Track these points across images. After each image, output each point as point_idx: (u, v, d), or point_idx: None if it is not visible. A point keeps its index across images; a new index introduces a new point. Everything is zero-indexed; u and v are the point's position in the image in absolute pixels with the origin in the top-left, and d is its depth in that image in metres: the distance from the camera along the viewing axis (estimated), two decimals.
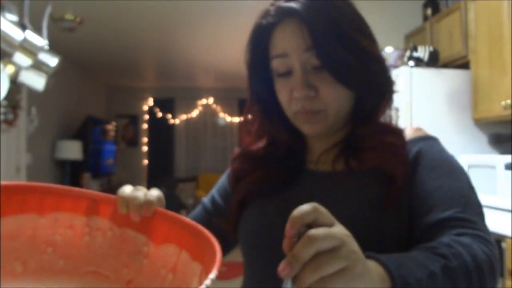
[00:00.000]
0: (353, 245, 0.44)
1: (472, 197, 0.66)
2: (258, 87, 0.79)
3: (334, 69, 0.68)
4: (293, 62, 0.71)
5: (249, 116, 0.83)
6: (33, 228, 0.62)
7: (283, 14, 0.70)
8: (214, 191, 0.89)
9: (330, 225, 0.44)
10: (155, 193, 0.65)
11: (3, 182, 0.60)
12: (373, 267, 0.47)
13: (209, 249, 0.55)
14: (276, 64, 0.73)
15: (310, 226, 0.44)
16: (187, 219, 0.63)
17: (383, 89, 0.75)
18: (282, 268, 0.42)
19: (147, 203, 0.63)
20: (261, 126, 0.82)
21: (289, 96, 0.73)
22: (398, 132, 0.75)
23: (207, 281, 0.45)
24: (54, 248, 0.63)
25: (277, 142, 0.81)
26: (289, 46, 0.70)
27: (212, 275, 0.47)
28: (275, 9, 0.72)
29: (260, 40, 0.75)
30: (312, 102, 0.71)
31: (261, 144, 0.83)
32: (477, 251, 0.56)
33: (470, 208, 0.64)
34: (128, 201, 0.63)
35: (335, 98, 0.71)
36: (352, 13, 0.72)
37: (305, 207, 0.44)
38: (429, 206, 0.65)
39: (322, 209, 0.45)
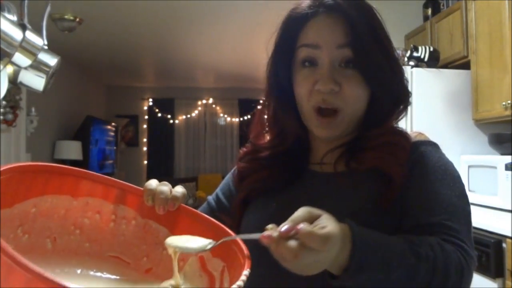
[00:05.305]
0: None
1: (460, 206, 0.68)
2: (279, 74, 0.79)
3: (366, 68, 0.71)
4: (322, 55, 0.72)
5: (266, 104, 0.84)
6: (66, 209, 0.65)
7: (324, 7, 0.72)
8: (218, 190, 0.91)
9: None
10: (180, 189, 0.68)
11: (42, 163, 0.63)
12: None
13: (232, 248, 0.59)
14: (303, 53, 0.74)
15: None
16: (210, 218, 0.67)
17: (400, 98, 0.78)
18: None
19: (173, 198, 0.66)
20: (275, 114, 0.82)
21: (310, 88, 0.73)
22: (403, 135, 0.77)
23: (242, 277, 0.50)
24: (81, 231, 0.67)
25: (284, 134, 0.82)
26: (322, 39, 0.72)
27: (246, 271, 0.52)
28: (316, 1, 0.73)
29: (293, 27, 0.75)
30: (334, 98, 0.72)
31: (268, 137, 0.85)
32: (452, 259, 0.58)
33: (457, 218, 0.66)
34: (154, 194, 0.66)
35: (355, 97, 0.73)
36: (382, 21, 0.76)
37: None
38: (417, 209, 0.67)
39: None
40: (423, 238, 0.60)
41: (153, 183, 0.67)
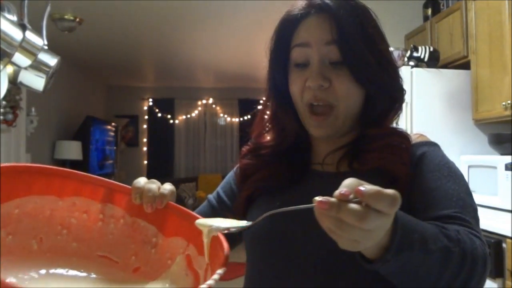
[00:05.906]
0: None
1: (468, 201, 0.69)
2: (277, 75, 0.81)
3: (353, 65, 0.72)
4: (312, 53, 0.73)
5: (268, 104, 0.85)
6: (51, 209, 0.65)
7: (314, 8, 0.74)
8: (219, 189, 0.91)
9: None
10: (168, 187, 0.68)
11: (28, 164, 0.63)
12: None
13: (216, 246, 0.58)
14: (296, 53, 0.76)
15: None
16: (198, 216, 0.66)
17: (395, 95, 0.78)
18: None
19: (160, 196, 0.66)
20: (275, 114, 0.83)
21: (302, 86, 0.75)
22: (404, 136, 0.77)
23: (215, 276, 0.49)
24: (68, 231, 0.66)
25: (284, 134, 0.83)
26: (312, 37, 0.73)
27: (220, 270, 0.51)
28: (308, 3, 0.75)
29: (286, 29, 0.77)
30: (325, 94, 0.73)
31: (269, 136, 0.86)
32: (477, 246, 0.58)
33: (467, 211, 0.66)
34: (142, 193, 0.66)
35: (347, 93, 0.73)
36: (376, 21, 0.77)
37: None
38: (427, 204, 0.68)
39: None
40: (448, 225, 0.60)
41: (141, 181, 0.67)
